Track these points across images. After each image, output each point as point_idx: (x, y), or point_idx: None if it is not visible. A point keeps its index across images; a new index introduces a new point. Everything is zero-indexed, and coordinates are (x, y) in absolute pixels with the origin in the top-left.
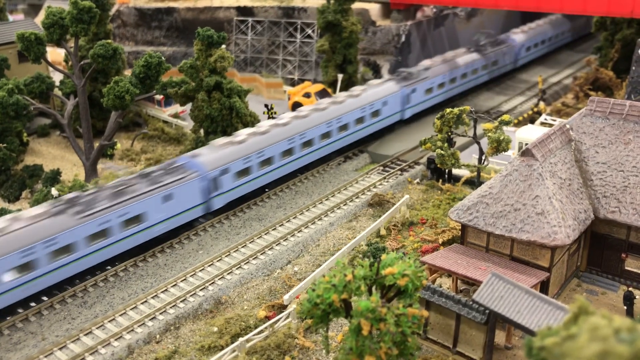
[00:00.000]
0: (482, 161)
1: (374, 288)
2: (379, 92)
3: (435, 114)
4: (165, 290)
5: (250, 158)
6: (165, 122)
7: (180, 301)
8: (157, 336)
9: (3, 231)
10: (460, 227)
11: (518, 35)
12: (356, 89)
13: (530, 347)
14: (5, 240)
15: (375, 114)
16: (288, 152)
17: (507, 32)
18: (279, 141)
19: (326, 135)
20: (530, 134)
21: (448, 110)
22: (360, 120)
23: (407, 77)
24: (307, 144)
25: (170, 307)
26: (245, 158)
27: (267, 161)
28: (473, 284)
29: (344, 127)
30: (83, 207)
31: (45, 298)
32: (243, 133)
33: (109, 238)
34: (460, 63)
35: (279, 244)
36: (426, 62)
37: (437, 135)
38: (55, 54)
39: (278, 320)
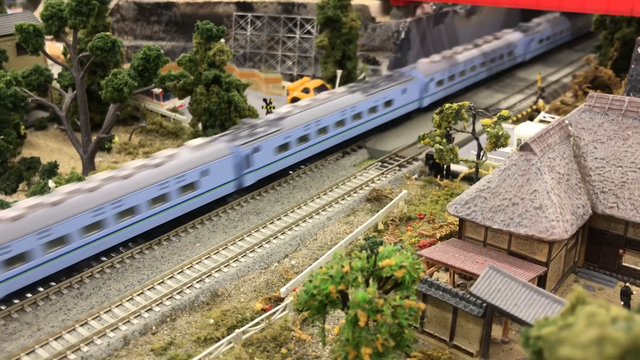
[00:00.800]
0: (481, 157)
1: (371, 280)
2: (514, 37)
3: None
4: (162, 282)
5: (444, 73)
6: (163, 116)
7: (177, 293)
8: (153, 327)
9: (325, 100)
10: (458, 222)
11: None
12: (500, 33)
13: (527, 337)
14: (321, 108)
15: (510, 53)
16: (462, 73)
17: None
18: (460, 63)
19: (483, 64)
20: (528, 130)
21: (447, 105)
22: (501, 56)
23: (526, 30)
24: (473, 68)
25: (167, 299)
26: (442, 72)
27: (452, 77)
28: (470, 278)
29: (492, 60)
30: (364, 89)
31: (41, 289)
32: (438, 56)
33: (377, 112)
34: (555, 24)
35: (276, 237)
36: (536, 20)
37: (435, 130)
38: (53, 48)
39: (275, 312)
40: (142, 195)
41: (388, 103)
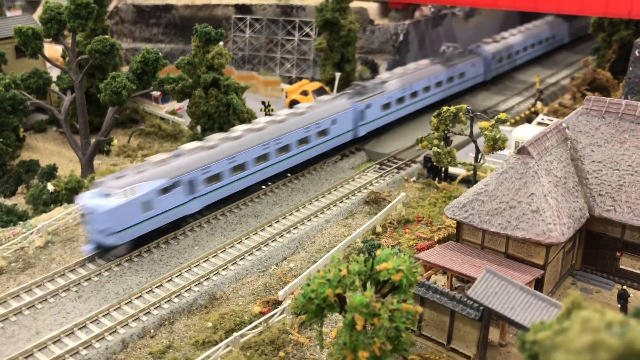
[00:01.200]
0: (479, 159)
1: (368, 283)
2: (557, 23)
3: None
4: (160, 285)
5: (503, 52)
6: (162, 118)
7: (175, 296)
8: (152, 331)
9: (415, 70)
10: (455, 225)
11: None
12: (546, 19)
13: (523, 341)
14: (412, 76)
15: (554, 37)
16: (517, 53)
17: None
18: (516, 43)
19: (532, 45)
20: (527, 133)
21: (445, 108)
22: (547, 39)
23: (566, 17)
24: (525, 49)
25: (165, 302)
26: (501, 51)
27: (509, 56)
28: (468, 281)
29: (540, 42)
30: (442, 61)
31: (39, 292)
32: (498, 36)
33: (453, 82)
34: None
35: (274, 240)
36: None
37: (433, 133)
38: (52, 50)
39: (273, 315)
40: (293, 135)
41: (461, 75)
